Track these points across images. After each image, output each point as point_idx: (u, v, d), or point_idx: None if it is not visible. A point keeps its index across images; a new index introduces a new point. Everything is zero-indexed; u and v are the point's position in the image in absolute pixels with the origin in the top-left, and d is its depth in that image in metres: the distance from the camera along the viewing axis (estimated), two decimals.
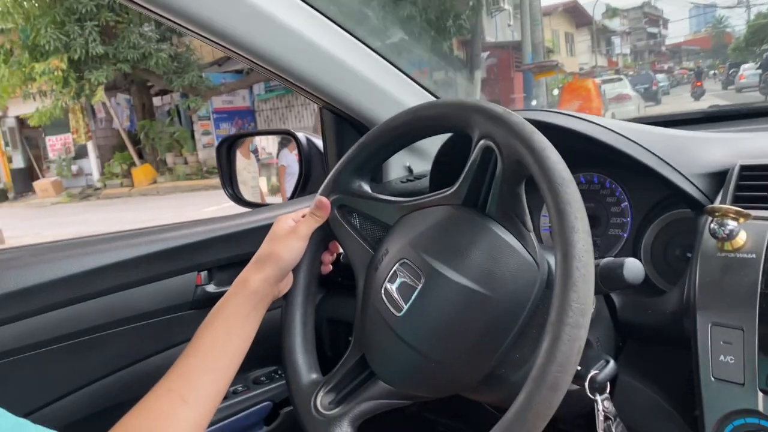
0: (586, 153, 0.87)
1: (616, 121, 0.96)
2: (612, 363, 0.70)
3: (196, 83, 12.18)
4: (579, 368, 0.69)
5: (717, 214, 0.71)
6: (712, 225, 0.71)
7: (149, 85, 12.96)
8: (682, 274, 0.77)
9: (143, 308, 0.95)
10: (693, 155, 0.86)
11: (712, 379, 0.72)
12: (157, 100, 14.09)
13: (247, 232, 1.05)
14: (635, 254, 0.93)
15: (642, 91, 16.27)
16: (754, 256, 0.71)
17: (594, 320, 0.73)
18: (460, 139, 0.93)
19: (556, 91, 12.71)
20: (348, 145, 0.81)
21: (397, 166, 1.23)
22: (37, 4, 10.51)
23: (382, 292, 0.72)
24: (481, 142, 0.67)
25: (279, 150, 1.46)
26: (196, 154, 13.51)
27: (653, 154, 0.84)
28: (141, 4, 0.79)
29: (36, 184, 13.44)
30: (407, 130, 0.77)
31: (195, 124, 13.68)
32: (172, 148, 13.40)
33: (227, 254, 1.03)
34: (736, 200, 0.77)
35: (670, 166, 0.82)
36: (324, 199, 0.78)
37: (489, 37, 15.61)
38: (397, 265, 0.72)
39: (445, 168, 0.86)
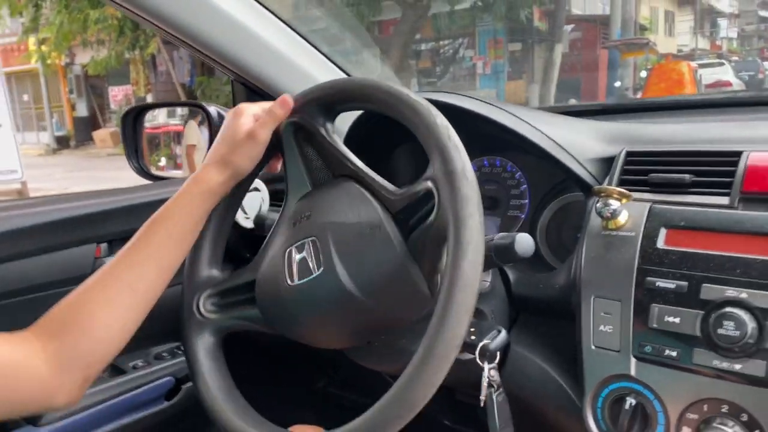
0: (490, 137, 0.96)
1: (519, 106, 1.04)
2: (503, 333, 0.79)
3: None
4: (473, 338, 0.77)
5: (602, 194, 0.80)
6: (597, 205, 0.80)
7: None
8: (573, 252, 0.85)
9: (39, 279, 0.95)
10: (586, 142, 0.95)
11: (593, 347, 0.81)
12: None
13: (149, 204, 1.04)
14: (532, 234, 0.97)
15: (746, 79, 14.71)
16: (633, 234, 0.80)
17: (489, 293, 0.87)
18: (369, 119, 0.99)
19: (644, 73, 11.29)
20: None
21: None
22: None
23: (285, 254, 0.76)
24: (427, 183, 0.68)
25: (185, 123, 1.42)
26: None
27: (550, 139, 0.92)
28: None
29: (95, 134, 13.57)
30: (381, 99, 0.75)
31: None
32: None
33: (129, 227, 0.97)
34: (621, 183, 0.86)
35: (565, 150, 0.91)
36: (288, 98, 0.76)
37: (575, 9, 14.22)
38: (308, 239, 0.75)
39: (354, 148, 0.81)
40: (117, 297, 0.67)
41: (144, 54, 11.16)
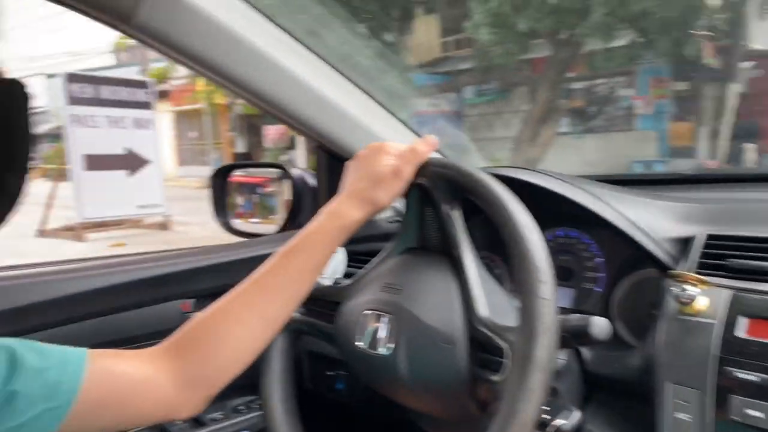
0: (564, 209, 0.97)
1: (590, 181, 1.05)
2: (577, 413, 0.76)
3: (398, 84, 11.27)
4: (546, 417, 0.75)
5: (679, 279, 0.80)
6: (674, 290, 0.80)
7: None
8: (649, 330, 0.84)
9: (131, 332, 1.02)
10: (663, 220, 0.96)
11: None
12: None
13: (235, 262, 1.13)
14: (607, 308, 1.01)
15: None
16: (712, 321, 0.79)
17: (563, 371, 0.86)
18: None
19: None
20: (339, 184, 0.88)
21: None
22: None
23: (362, 313, 0.81)
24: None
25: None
26: None
27: (625, 217, 0.93)
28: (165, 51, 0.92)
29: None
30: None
31: None
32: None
33: (215, 283, 1.08)
34: (699, 267, 0.85)
35: (641, 229, 0.92)
36: (433, 137, 0.77)
37: (757, 44, 12.60)
38: (387, 315, 0.79)
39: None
40: (247, 320, 0.69)
41: None
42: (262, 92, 1.01)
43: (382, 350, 0.76)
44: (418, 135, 1.22)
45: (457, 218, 0.78)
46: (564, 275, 1.08)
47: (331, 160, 1.23)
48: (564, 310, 0.93)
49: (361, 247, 1.13)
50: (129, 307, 1.01)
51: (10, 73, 0.50)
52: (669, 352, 0.80)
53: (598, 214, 0.93)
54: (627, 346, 0.95)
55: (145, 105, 7.22)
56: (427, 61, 13.70)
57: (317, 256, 0.74)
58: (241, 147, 16.45)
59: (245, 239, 1.25)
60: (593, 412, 0.90)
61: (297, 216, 1.29)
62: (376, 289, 0.80)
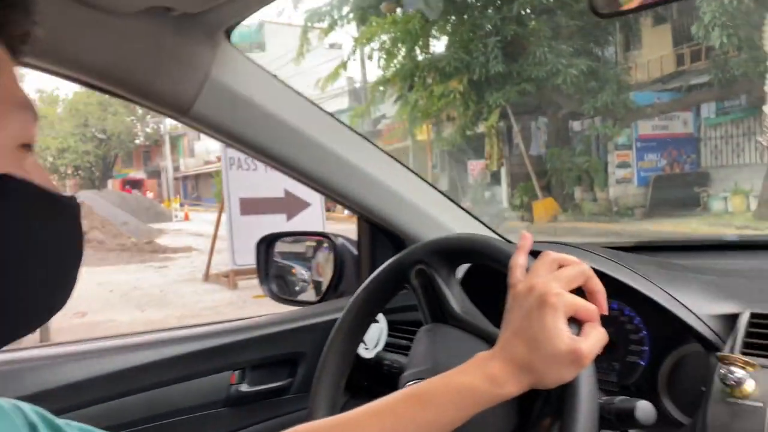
0: (605, 282, 0.88)
1: (630, 255, 1.09)
2: None
3: (612, 104, 9.63)
4: None
5: (726, 362, 0.78)
6: (721, 371, 0.78)
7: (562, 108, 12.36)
8: (698, 409, 0.83)
9: (180, 404, 1.06)
10: (705, 295, 0.94)
11: None
12: (577, 125, 13.49)
13: (280, 333, 1.18)
14: (653, 383, 1.00)
15: None
16: (761, 404, 0.77)
17: None
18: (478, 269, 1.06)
19: None
20: (381, 254, 1.03)
21: None
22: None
23: (402, 381, 0.82)
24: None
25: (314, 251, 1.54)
26: (607, 190, 12.24)
27: (666, 292, 0.93)
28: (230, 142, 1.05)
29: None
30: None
31: (610, 154, 12.40)
32: (582, 181, 12.55)
33: (261, 354, 1.16)
34: (745, 346, 0.84)
35: (683, 305, 0.91)
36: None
37: None
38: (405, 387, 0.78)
39: (468, 288, 0.90)
40: None
41: (488, 126, 10.44)
42: (308, 170, 1.10)
43: None
44: (477, 219, 1.31)
45: (456, 285, 0.85)
46: (608, 348, 0.89)
47: (374, 230, 1.29)
48: (609, 384, 0.98)
49: (400, 317, 1.19)
50: (179, 380, 1.05)
51: None
52: None
53: (640, 291, 0.95)
54: (675, 425, 0.94)
55: None
56: (656, 77, 12.51)
57: (450, 417, 0.62)
58: (444, 184, 15.85)
59: (290, 306, 1.32)
60: None
61: (338, 285, 1.32)
62: (414, 361, 0.84)
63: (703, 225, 9.97)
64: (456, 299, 0.84)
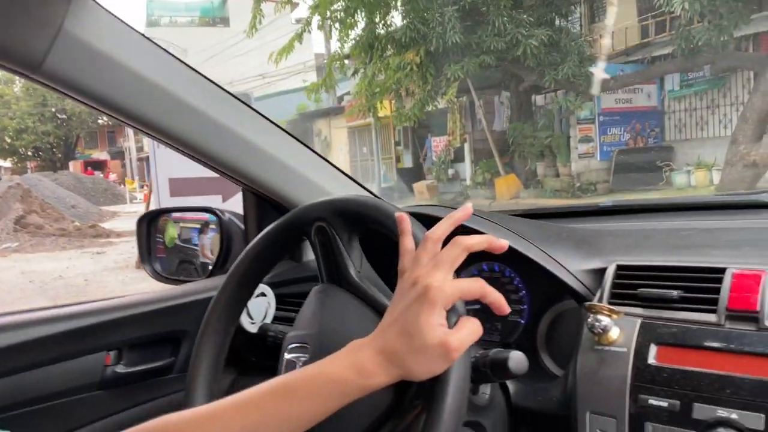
0: None
1: (510, 217, 1.17)
2: None
3: (574, 76, 10.59)
4: None
5: (593, 311, 0.84)
6: (589, 321, 0.84)
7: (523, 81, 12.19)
8: (570, 361, 0.89)
9: (50, 388, 1.02)
10: (578, 253, 1.01)
11: None
12: (540, 99, 13.38)
13: (161, 311, 1.14)
14: (532, 340, 1.06)
15: None
16: (625, 350, 0.83)
17: (488, 406, 0.88)
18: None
19: None
20: (267, 225, 0.92)
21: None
22: None
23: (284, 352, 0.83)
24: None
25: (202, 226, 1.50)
26: (569, 165, 12.03)
27: (543, 251, 0.99)
28: (105, 111, 0.98)
29: (415, 186, 13.49)
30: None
31: (573, 129, 12.21)
32: (544, 156, 12.36)
33: (138, 334, 1.12)
34: (612, 297, 0.90)
35: (557, 262, 0.98)
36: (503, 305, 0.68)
37: None
38: (287, 351, 0.83)
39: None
40: None
41: (447, 100, 10.05)
42: (184, 137, 1.04)
43: None
44: (361, 185, 1.31)
45: (356, 250, 0.84)
46: (489, 309, 0.95)
47: (261, 203, 1.26)
48: (491, 344, 1.02)
49: (289, 290, 1.19)
50: (48, 362, 1.01)
51: None
52: (586, 382, 0.85)
53: (518, 250, 0.99)
54: (552, 378, 0.99)
55: None
56: (621, 49, 12.28)
57: (317, 409, 0.62)
58: (408, 161, 15.52)
59: (173, 285, 1.27)
60: None
61: (226, 261, 1.27)
62: (295, 329, 0.85)
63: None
64: (354, 263, 0.84)
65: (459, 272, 1.01)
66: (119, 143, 35.39)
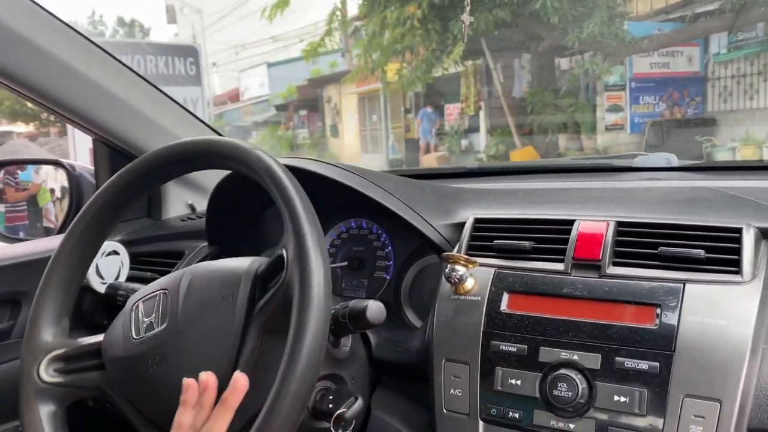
0: (356, 201, 1.08)
1: (382, 174, 1.21)
2: (359, 400, 0.85)
3: (602, 35, 9.47)
4: (330, 407, 0.83)
5: (450, 261, 0.90)
6: (446, 271, 0.92)
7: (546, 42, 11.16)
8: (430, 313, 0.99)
9: None
10: (440, 208, 1.09)
11: (444, 411, 0.90)
12: (565, 63, 12.04)
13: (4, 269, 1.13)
14: (396, 295, 1.15)
15: None
16: (479, 298, 0.91)
17: (348, 359, 0.93)
18: (237, 179, 1.10)
19: None
20: None
21: (178, 203, 1.35)
22: None
23: (133, 307, 0.84)
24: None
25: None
26: (594, 138, 11.07)
27: (406, 205, 1.04)
28: None
29: (423, 159, 12.59)
30: (164, 164, 0.87)
31: (599, 96, 11.18)
32: (567, 127, 11.34)
33: None
34: (470, 249, 0.98)
35: (421, 216, 1.04)
36: (242, 381, 0.74)
37: None
38: (159, 291, 0.83)
39: (223, 207, 1.00)
40: None
41: (452, 60, 8.86)
42: (27, 80, 0.99)
43: (159, 327, 0.80)
44: (212, 128, 1.32)
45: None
46: (357, 265, 1.19)
47: (113, 156, 1.23)
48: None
49: (146, 249, 1.19)
50: None
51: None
52: (443, 331, 0.92)
53: (383, 204, 1.03)
54: (412, 330, 1.05)
55: (189, 80, 5.20)
56: (659, 7, 10.94)
57: None
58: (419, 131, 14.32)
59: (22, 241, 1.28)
60: (380, 397, 1.00)
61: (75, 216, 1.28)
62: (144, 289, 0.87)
63: None
64: None
65: (326, 230, 1.18)
66: None
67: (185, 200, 1.33)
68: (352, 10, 11.17)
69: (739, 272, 0.84)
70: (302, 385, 0.63)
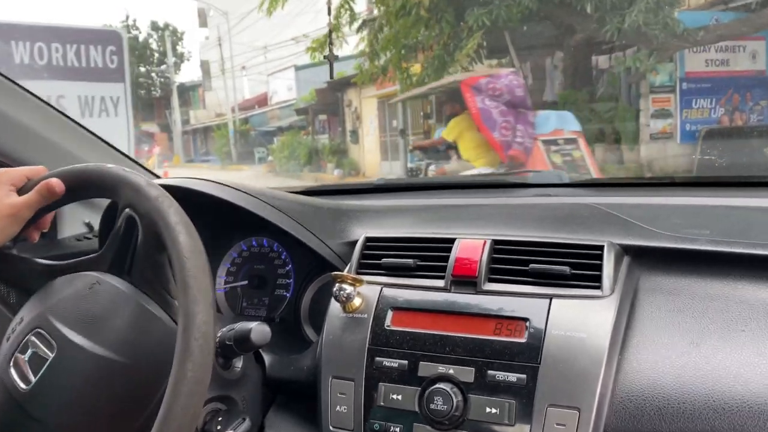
0: (258, 219, 1.14)
1: (280, 193, 1.26)
2: (247, 421, 0.88)
3: (647, 25, 8.09)
4: (218, 428, 0.86)
5: (338, 280, 0.96)
6: (335, 289, 0.98)
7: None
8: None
9: None
10: (336, 227, 1.17)
11: (331, 428, 0.94)
12: (603, 61, 10.72)
13: None
14: (296, 313, 1.20)
15: None
16: (365, 316, 0.97)
17: (240, 380, 0.95)
18: None
19: None
20: None
21: (74, 222, 1.35)
22: None
23: (11, 363, 0.82)
24: (125, 210, 0.82)
25: None
26: (637, 149, 9.82)
27: (299, 223, 1.12)
28: None
29: (440, 169, 10.76)
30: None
31: (644, 99, 9.95)
32: (604, 136, 9.96)
33: None
34: (360, 267, 1.05)
35: (315, 236, 1.11)
36: (59, 183, 0.84)
37: None
38: (30, 335, 0.81)
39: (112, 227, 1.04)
40: None
41: (463, 56, 7.83)
42: None
43: (51, 356, 0.79)
44: (123, 154, 1.36)
45: (164, 260, 0.87)
46: (259, 284, 1.23)
47: None
48: (258, 319, 1.08)
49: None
50: None
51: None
52: (331, 349, 0.97)
53: (276, 224, 1.10)
54: (306, 348, 1.10)
55: (109, 74, 3.95)
56: None
57: None
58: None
59: None
60: (274, 416, 1.04)
61: None
62: (4, 350, 0.86)
63: None
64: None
65: (227, 249, 1.23)
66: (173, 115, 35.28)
67: (82, 219, 1.33)
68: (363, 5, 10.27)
69: (599, 287, 0.94)
70: (184, 415, 0.66)
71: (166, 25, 35.98)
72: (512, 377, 0.86)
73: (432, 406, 0.86)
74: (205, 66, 34.38)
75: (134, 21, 38.00)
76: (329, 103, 19.20)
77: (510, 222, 1.15)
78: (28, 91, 1.14)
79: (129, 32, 34.07)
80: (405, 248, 1.02)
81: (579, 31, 9.88)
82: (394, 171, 15.60)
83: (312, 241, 1.07)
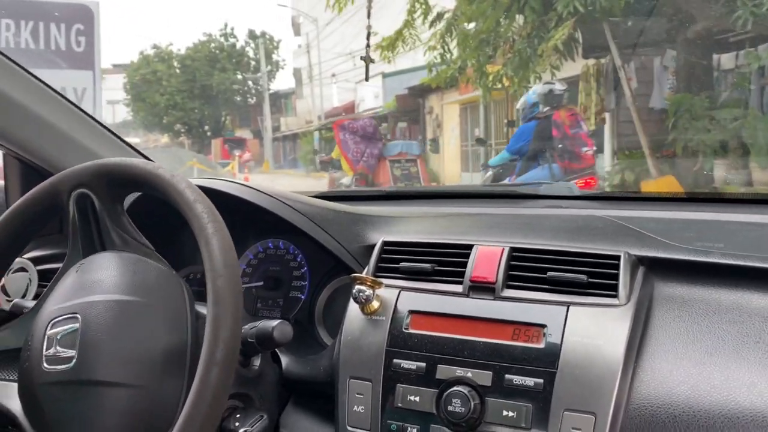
0: (274, 221, 1.18)
1: (295, 194, 1.28)
2: (265, 419, 0.89)
3: None
4: (236, 425, 0.87)
5: (357, 281, 0.99)
6: (354, 291, 1.01)
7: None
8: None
9: None
10: (354, 229, 1.19)
11: (348, 428, 0.96)
12: (727, 60, 8.67)
13: None
14: (310, 314, 1.22)
15: None
16: (383, 318, 0.99)
17: (257, 378, 0.98)
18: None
19: None
20: None
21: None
22: None
23: (44, 363, 0.83)
24: (72, 193, 0.87)
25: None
26: None
27: (318, 226, 1.13)
28: None
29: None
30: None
31: None
32: (727, 150, 8.03)
33: None
34: (378, 270, 1.08)
35: (334, 239, 1.13)
36: None
37: None
38: (47, 332, 0.83)
39: (138, 223, 0.99)
40: None
41: (550, 48, 6.36)
42: None
43: (71, 362, 0.81)
44: (134, 149, 1.34)
45: (120, 213, 0.91)
46: (274, 285, 1.23)
47: (26, 171, 1.24)
48: (273, 319, 1.06)
49: (57, 266, 1.08)
50: None
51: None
52: (349, 349, 0.98)
53: (296, 225, 1.11)
54: (323, 348, 1.13)
55: (74, 60, 2.98)
56: None
57: None
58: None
59: None
60: (290, 415, 1.05)
61: None
62: (53, 302, 0.88)
63: None
64: (119, 232, 0.90)
65: (243, 250, 1.23)
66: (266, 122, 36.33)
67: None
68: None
69: (616, 296, 0.98)
70: (209, 415, 0.68)
71: (263, 33, 36.80)
72: (530, 381, 0.90)
73: (450, 408, 0.89)
74: (297, 74, 34.69)
75: (232, 29, 39.15)
76: (410, 110, 18.28)
77: (525, 231, 1.19)
78: (42, 81, 1.11)
79: (227, 40, 34.96)
80: (423, 253, 1.05)
81: (698, 21, 8.37)
82: (475, 183, 14.39)
83: (330, 243, 1.10)
